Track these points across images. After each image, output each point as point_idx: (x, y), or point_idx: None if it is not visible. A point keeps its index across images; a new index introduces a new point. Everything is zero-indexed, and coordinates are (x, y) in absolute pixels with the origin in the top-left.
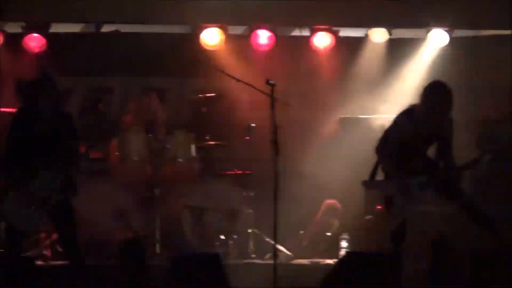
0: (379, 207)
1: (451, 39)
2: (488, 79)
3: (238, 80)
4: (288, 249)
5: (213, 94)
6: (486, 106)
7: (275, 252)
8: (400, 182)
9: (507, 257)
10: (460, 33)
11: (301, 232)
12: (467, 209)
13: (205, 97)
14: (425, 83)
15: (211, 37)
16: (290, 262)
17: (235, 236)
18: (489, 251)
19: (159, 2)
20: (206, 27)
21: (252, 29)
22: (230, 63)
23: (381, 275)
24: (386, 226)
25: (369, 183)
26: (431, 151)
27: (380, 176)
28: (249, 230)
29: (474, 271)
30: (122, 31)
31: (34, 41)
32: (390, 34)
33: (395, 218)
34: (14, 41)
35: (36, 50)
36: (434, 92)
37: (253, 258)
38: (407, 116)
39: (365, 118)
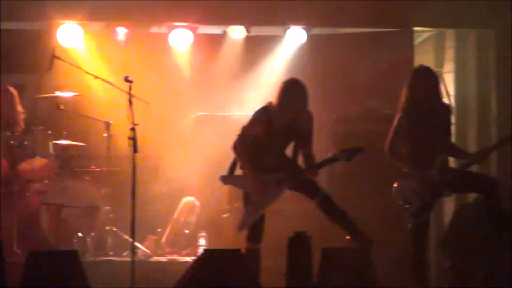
0: (237, 204)
1: (309, 36)
2: (346, 77)
3: (96, 77)
4: (146, 247)
5: (71, 92)
6: (344, 103)
7: (133, 250)
8: (257, 178)
9: (364, 254)
10: (318, 30)
11: (159, 229)
12: (324, 206)
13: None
14: (283, 81)
15: (69, 34)
16: (148, 259)
17: (92, 233)
18: (341, 248)
19: None
20: (63, 24)
21: (110, 26)
22: (89, 60)
23: (239, 272)
24: (244, 223)
25: (227, 178)
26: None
27: (239, 172)
28: (107, 227)
29: (324, 267)
30: None
31: None
32: (248, 31)
33: (251, 214)
34: None
35: None
36: (289, 90)
37: (111, 256)
38: (264, 113)
39: (223, 115)
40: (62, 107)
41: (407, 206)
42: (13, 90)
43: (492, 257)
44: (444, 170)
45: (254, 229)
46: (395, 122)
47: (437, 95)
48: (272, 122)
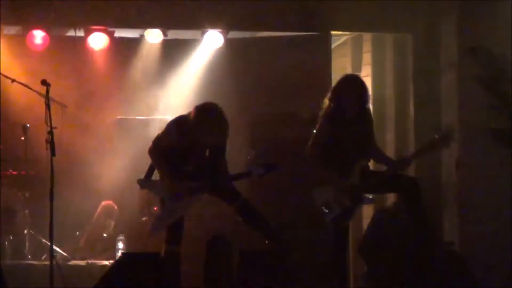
0: (156, 208)
1: (226, 40)
2: (263, 81)
3: (13, 80)
4: (64, 250)
5: None
6: (261, 107)
7: (52, 253)
8: (171, 185)
9: (281, 256)
10: (236, 34)
11: (77, 233)
12: (243, 211)
13: None
14: (200, 105)
15: None
16: (67, 263)
17: (10, 237)
18: (259, 251)
19: None
20: None
21: (27, 29)
22: (5, 63)
23: (157, 276)
24: (154, 228)
25: (143, 183)
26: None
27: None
28: (25, 231)
29: (241, 270)
30: None
31: None
32: (165, 35)
33: (163, 220)
34: None
35: None
36: (206, 116)
37: (29, 259)
38: (176, 127)
39: (142, 119)
40: None
41: (327, 211)
42: None
43: (410, 261)
44: (364, 176)
45: (172, 232)
46: (318, 127)
47: (365, 103)
48: (186, 135)
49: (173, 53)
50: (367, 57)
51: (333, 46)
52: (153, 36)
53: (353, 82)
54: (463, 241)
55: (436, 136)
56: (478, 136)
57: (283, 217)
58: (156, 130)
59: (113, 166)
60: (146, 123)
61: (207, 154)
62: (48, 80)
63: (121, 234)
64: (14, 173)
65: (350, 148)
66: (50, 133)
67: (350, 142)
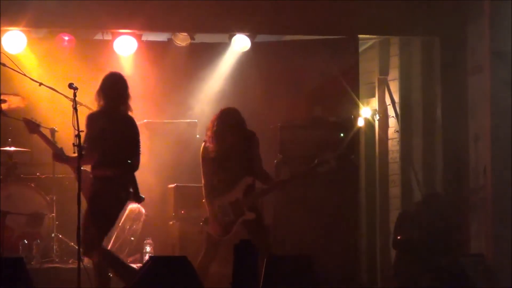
0: (183, 211)
1: (254, 44)
2: (291, 84)
3: (40, 84)
4: None
5: (17, 97)
6: (289, 110)
7: (79, 257)
8: None
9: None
10: (263, 38)
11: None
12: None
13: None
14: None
15: (13, 41)
16: None
17: (38, 240)
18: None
19: None
20: (7, 31)
21: (54, 33)
22: (33, 66)
23: (183, 279)
24: None
25: None
26: None
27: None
28: (53, 234)
29: (268, 274)
30: None
31: None
32: (192, 38)
33: None
34: None
35: None
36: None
37: (56, 263)
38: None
39: (169, 123)
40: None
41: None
42: None
43: (436, 259)
44: (247, 192)
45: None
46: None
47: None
48: None
49: (200, 56)
50: (394, 61)
51: (360, 49)
52: (181, 40)
53: (227, 113)
54: (490, 246)
55: (316, 161)
56: (507, 140)
57: (310, 219)
58: (183, 133)
59: (140, 170)
60: (173, 127)
61: None
62: (75, 84)
63: (148, 238)
64: (42, 176)
65: (233, 169)
66: (78, 136)
67: (232, 164)
